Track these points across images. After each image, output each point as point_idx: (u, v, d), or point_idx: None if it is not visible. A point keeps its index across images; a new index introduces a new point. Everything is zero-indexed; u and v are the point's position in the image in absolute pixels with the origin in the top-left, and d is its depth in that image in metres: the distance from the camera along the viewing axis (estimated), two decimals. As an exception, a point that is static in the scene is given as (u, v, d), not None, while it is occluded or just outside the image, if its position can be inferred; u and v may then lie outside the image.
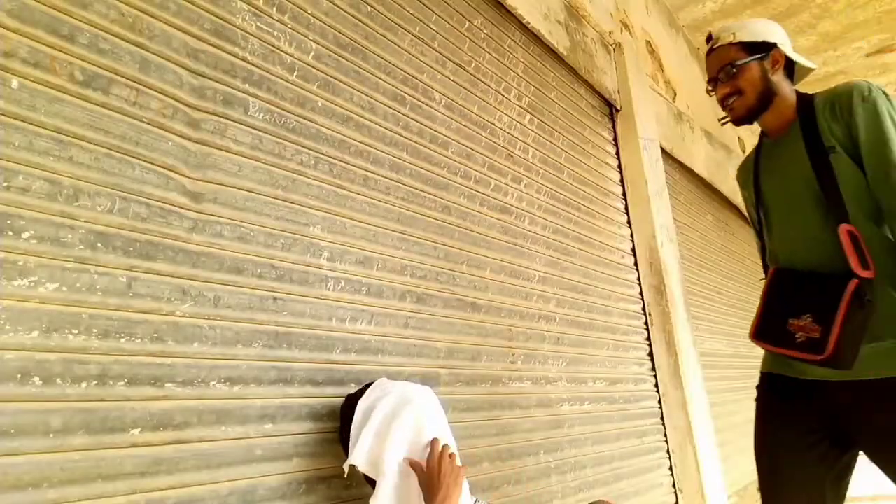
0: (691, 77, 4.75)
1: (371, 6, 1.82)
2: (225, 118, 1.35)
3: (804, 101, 1.58)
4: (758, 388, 1.66)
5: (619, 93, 3.29)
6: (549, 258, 2.43)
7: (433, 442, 1.28)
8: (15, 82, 1.02)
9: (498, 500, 1.89)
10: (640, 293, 3.09)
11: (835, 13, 4.70)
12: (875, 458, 1.43)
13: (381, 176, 1.74)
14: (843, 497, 1.52)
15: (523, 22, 2.57)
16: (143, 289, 1.13)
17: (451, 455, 1.26)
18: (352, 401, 1.34)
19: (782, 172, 1.61)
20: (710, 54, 1.61)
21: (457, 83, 2.14)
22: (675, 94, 4.22)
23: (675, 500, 2.91)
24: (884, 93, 1.45)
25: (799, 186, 1.54)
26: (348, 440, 1.28)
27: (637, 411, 2.79)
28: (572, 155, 2.80)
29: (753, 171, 1.71)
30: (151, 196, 1.18)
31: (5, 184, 0.98)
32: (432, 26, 2.07)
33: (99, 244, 1.09)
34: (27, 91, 1.03)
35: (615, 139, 3.26)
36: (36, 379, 0.97)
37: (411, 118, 1.90)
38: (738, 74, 1.55)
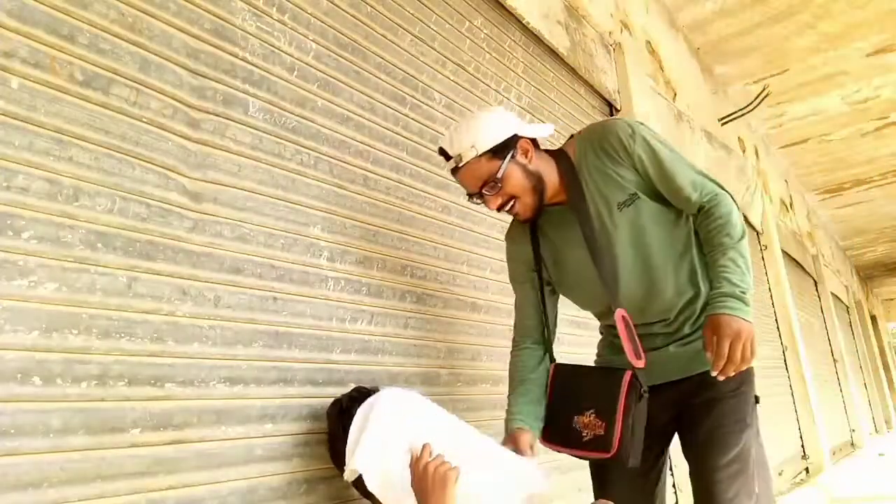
0: (691, 77, 4.75)
1: (371, 6, 1.82)
2: (225, 118, 1.35)
3: (565, 164, 1.49)
4: None
5: (619, 93, 3.29)
6: (549, 258, 2.43)
7: (424, 447, 1.25)
8: (15, 82, 1.02)
9: (498, 500, 1.89)
10: (640, 293, 3.09)
11: (835, 13, 4.69)
12: (687, 435, 1.52)
13: (381, 176, 1.74)
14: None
15: (523, 22, 2.57)
16: (143, 289, 1.13)
17: (439, 461, 1.21)
18: (337, 408, 1.33)
19: (564, 247, 1.53)
20: (458, 172, 1.44)
21: (457, 83, 2.14)
22: (675, 94, 4.22)
23: (675, 500, 2.91)
24: (641, 123, 1.49)
25: (584, 268, 1.49)
26: (338, 446, 1.28)
27: (637, 411, 2.78)
28: (572, 155, 2.80)
29: (532, 239, 1.58)
30: (151, 196, 1.18)
31: (5, 184, 0.98)
32: (432, 26, 2.07)
33: (99, 244, 1.08)
34: (27, 91, 1.03)
35: (615, 139, 3.26)
36: (36, 379, 0.97)
37: (411, 118, 1.90)
38: (503, 184, 1.42)
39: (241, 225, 1.34)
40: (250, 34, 1.44)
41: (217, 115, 1.33)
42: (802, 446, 5.39)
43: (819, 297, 8.20)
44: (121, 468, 1.04)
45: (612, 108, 3.27)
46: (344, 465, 1.27)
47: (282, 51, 1.51)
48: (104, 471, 1.02)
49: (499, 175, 1.40)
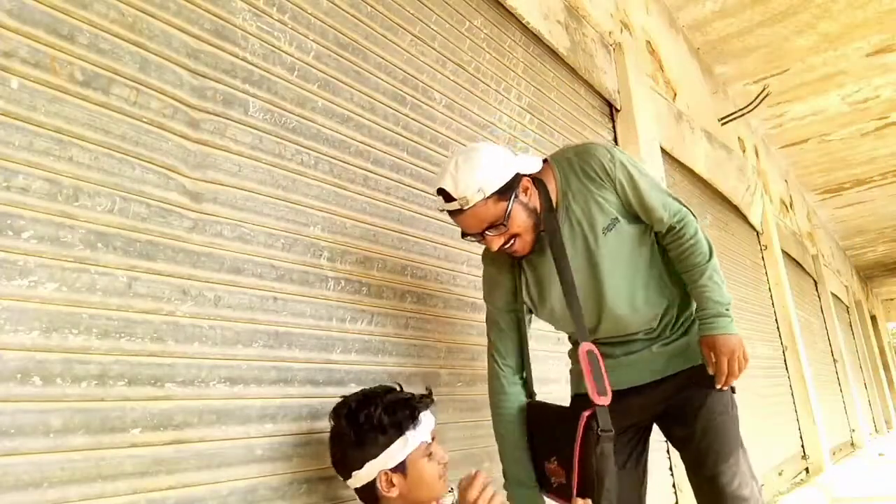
0: (691, 77, 4.75)
1: (371, 6, 1.82)
2: (225, 118, 1.35)
3: (544, 195, 1.47)
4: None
5: (619, 93, 3.29)
6: (549, 258, 2.43)
7: (476, 476, 1.22)
8: (15, 82, 1.02)
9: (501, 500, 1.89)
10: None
11: (835, 13, 4.69)
12: (680, 431, 1.57)
13: (381, 176, 1.74)
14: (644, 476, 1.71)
15: (523, 22, 2.57)
16: (143, 289, 1.13)
17: (488, 495, 1.19)
18: (346, 408, 1.31)
19: (548, 275, 1.51)
20: (461, 214, 1.39)
21: (457, 83, 2.14)
22: (675, 94, 4.22)
23: (675, 501, 2.91)
24: (615, 147, 1.54)
25: (558, 297, 1.50)
26: (344, 447, 1.27)
27: (637, 411, 2.78)
28: (572, 155, 2.80)
29: (517, 265, 1.56)
30: (151, 196, 1.18)
31: (5, 184, 0.98)
32: (432, 26, 2.07)
33: (99, 244, 1.09)
34: (27, 91, 1.03)
35: (615, 139, 3.26)
36: (36, 379, 0.97)
37: (411, 118, 1.90)
38: (510, 224, 1.40)
39: (241, 225, 1.34)
40: (250, 34, 1.44)
41: (217, 115, 1.33)
42: (802, 446, 5.39)
43: (819, 297, 8.20)
44: (121, 468, 1.04)
45: (612, 108, 3.27)
46: (347, 467, 1.26)
47: (282, 51, 1.51)
48: (104, 471, 1.02)
49: (507, 217, 1.39)
